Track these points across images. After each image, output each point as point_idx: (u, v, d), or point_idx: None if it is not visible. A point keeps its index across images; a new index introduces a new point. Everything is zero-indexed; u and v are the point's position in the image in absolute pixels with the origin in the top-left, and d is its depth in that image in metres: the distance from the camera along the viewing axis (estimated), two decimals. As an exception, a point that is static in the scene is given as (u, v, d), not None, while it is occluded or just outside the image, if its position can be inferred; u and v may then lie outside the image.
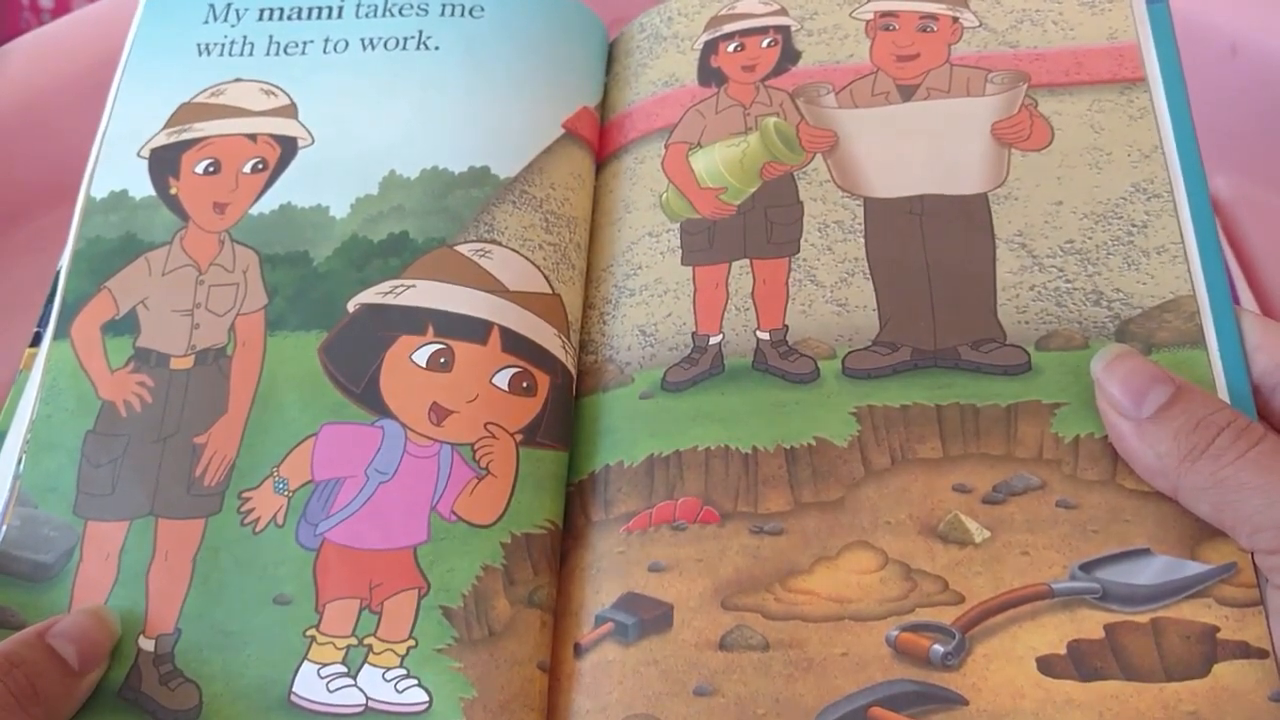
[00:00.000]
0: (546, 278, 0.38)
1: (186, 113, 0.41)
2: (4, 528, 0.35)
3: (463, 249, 0.38)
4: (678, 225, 0.38)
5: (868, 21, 0.40)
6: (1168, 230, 0.35)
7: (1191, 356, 0.33)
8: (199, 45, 0.42)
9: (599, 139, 0.42)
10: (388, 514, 0.34)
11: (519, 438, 0.35)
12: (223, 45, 0.42)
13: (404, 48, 0.42)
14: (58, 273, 0.39)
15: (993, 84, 0.38)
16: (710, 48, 0.41)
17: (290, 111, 0.41)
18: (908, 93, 0.39)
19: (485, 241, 0.38)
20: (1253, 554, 0.30)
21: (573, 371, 0.37)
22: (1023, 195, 0.36)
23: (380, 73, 0.42)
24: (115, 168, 0.41)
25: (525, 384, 0.36)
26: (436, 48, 0.42)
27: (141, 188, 0.40)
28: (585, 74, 0.42)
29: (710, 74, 0.41)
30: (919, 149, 0.38)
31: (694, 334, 0.36)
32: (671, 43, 0.42)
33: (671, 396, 0.36)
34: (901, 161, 0.38)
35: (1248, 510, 0.29)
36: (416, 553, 0.34)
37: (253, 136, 0.40)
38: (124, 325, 0.38)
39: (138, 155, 0.41)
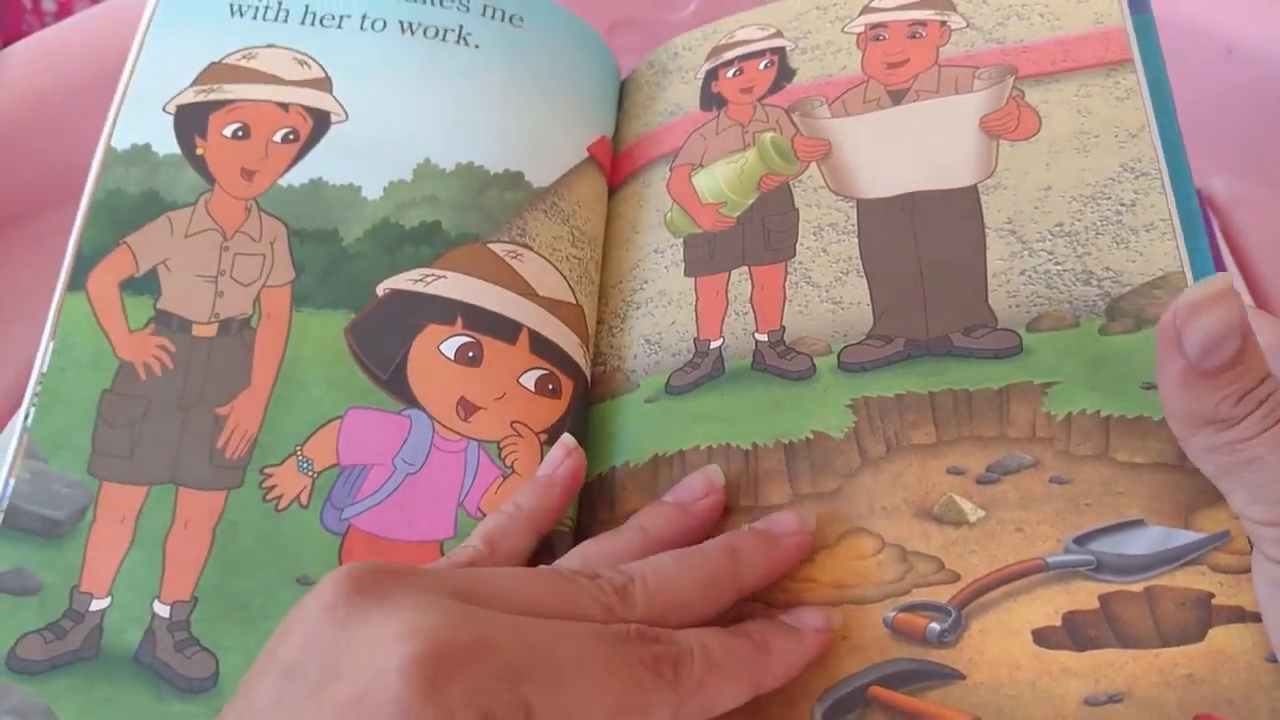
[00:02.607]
0: (572, 289, 0.39)
1: (216, 73, 0.40)
2: (13, 481, 0.35)
3: (495, 248, 0.38)
4: (681, 240, 0.40)
5: (859, 34, 0.42)
6: (1156, 208, 0.35)
7: None
8: (231, 5, 0.41)
9: (611, 168, 0.44)
10: (415, 506, 0.35)
11: (543, 438, 0.36)
12: (256, 8, 0.41)
13: (443, 39, 0.41)
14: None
15: (980, 80, 0.39)
16: (711, 75, 0.43)
17: (324, 85, 0.40)
18: (898, 97, 0.40)
19: (517, 244, 0.39)
20: (1241, 519, 0.30)
21: (588, 381, 0.39)
22: (1012, 184, 0.37)
23: (418, 59, 0.41)
24: (138, 120, 0.39)
25: (551, 386, 0.37)
26: (476, 46, 0.42)
27: (166, 144, 0.39)
28: (603, 104, 0.44)
29: (711, 99, 0.43)
30: (909, 149, 0.39)
31: (696, 339, 0.38)
32: (676, 75, 0.44)
33: (675, 399, 0.37)
34: (892, 162, 0.39)
35: (1252, 481, 0.29)
36: (442, 547, 0.34)
37: (285, 106, 0.40)
38: (144, 285, 0.37)
39: (163, 110, 0.40)
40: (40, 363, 0.36)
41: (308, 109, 0.40)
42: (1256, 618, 0.29)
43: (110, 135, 0.39)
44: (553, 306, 0.38)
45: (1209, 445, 0.29)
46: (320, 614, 0.26)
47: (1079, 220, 0.36)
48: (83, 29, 0.49)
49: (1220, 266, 0.48)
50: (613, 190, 0.43)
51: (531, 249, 0.39)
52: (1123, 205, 0.35)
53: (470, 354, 0.37)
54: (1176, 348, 0.28)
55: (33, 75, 0.48)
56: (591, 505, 0.37)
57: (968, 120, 0.39)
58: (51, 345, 0.36)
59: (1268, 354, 0.31)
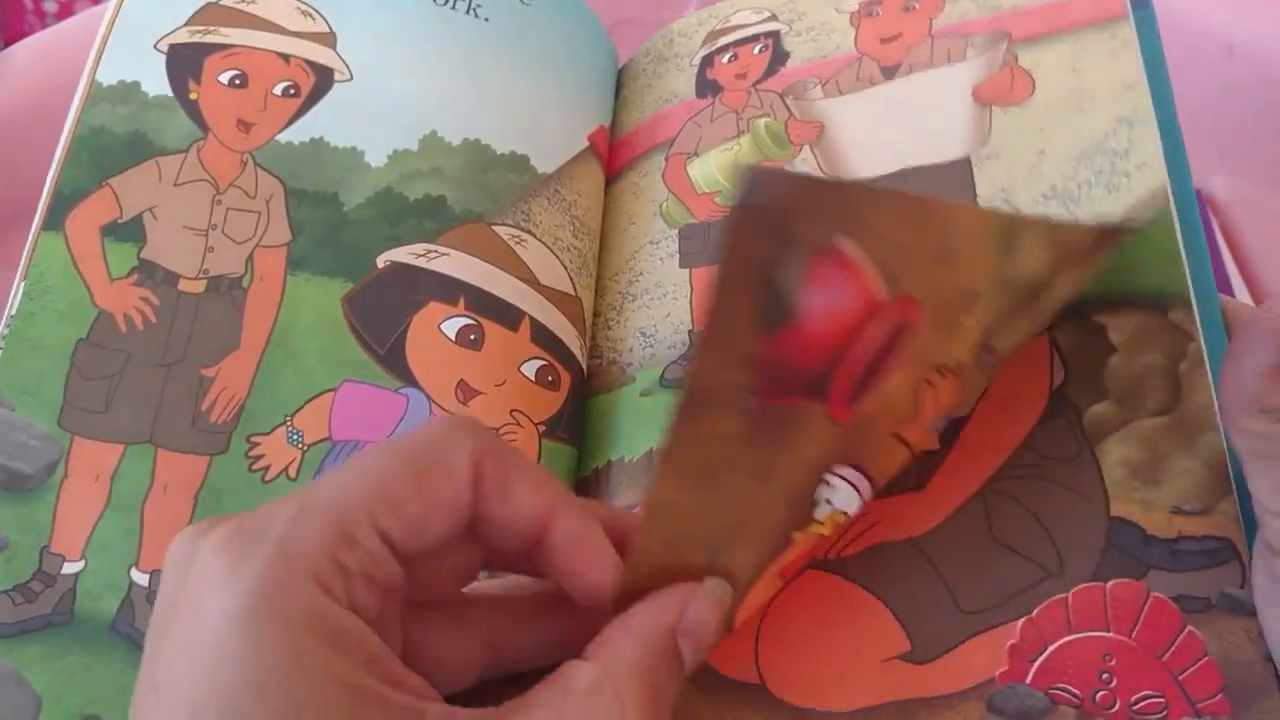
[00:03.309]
0: (571, 280, 0.39)
1: (212, 13, 0.38)
2: None
3: (500, 230, 0.38)
4: (676, 231, 0.40)
5: (853, 12, 0.41)
6: (1148, 149, 0.34)
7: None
8: None
9: (608, 158, 0.44)
10: None
11: (541, 429, 0.36)
12: None
13: (453, 8, 0.40)
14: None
15: (973, 47, 0.38)
16: (706, 61, 0.43)
17: (329, 40, 0.39)
18: (890, 73, 0.39)
19: (521, 230, 0.38)
20: (1256, 503, 0.28)
21: (584, 375, 0.39)
22: (1005, 152, 0.36)
23: (426, 25, 0.40)
24: (126, 55, 0.37)
25: (550, 377, 0.37)
26: (486, 19, 0.41)
27: (156, 84, 0.37)
28: (603, 93, 0.44)
29: (706, 86, 0.43)
30: (902, 124, 0.38)
31: (690, 332, 0.38)
32: (672, 62, 0.44)
33: (670, 393, 0.37)
34: (885, 139, 0.38)
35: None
36: None
37: (286, 57, 0.38)
38: (127, 232, 0.35)
39: (154, 48, 0.37)
40: (9, 305, 0.34)
41: (310, 63, 0.38)
42: (1252, 611, 0.27)
43: (95, 68, 0.37)
44: (553, 297, 0.38)
45: (1256, 429, 0.28)
46: (168, 568, 0.25)
47: (1071, 180, 0.34)
48: (84, 29, 0.47)
49: (1219, 266, 0.47)
50: (609, 181, 0.43)
51: (535, 235, 0.39)
52: (1116, 155, 0.34)
53: (471, 336, 0.36)
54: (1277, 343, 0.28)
55: (35, 75, 0.47)
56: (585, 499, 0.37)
57: (960, 90, 0.37)
58: (22, 286, 0.34)
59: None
